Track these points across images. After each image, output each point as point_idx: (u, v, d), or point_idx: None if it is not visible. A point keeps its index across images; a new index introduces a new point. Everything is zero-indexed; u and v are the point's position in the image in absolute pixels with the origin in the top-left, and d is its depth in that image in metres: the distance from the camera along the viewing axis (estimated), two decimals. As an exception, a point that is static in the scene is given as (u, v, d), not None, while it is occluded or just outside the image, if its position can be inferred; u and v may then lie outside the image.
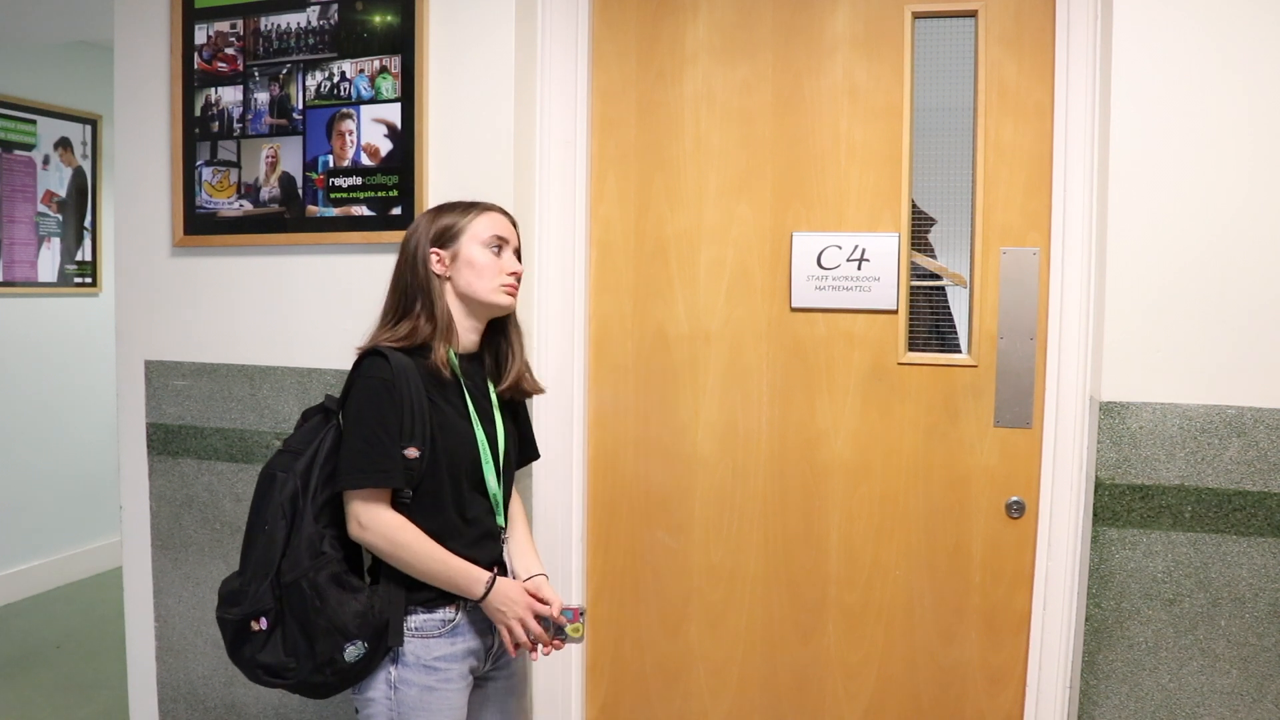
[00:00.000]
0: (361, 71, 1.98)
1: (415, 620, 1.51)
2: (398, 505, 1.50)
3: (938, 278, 1.95)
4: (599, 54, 2.04)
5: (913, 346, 1.93)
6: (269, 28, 2.04)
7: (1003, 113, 1.85)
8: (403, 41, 1.94)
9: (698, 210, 2.02)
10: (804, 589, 2.00)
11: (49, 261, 4.03)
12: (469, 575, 1.51)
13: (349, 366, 2.04)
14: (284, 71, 2.04)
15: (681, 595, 2.07)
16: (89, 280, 4.21)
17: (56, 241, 4.06)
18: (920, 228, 1.94)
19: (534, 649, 1.54)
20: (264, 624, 1.49)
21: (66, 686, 3.09)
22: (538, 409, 2.02)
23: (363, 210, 1.99)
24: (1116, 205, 1.64)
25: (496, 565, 1.60)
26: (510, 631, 1.52)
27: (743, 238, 2.00)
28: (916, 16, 1.90)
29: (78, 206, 4.15)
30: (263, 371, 2.11)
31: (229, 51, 2.08)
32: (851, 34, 1.93)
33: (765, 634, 2.03)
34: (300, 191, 2.04)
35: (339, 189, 2.01)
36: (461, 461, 1.55)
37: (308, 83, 2.02)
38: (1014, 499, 1.87)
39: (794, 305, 1.97)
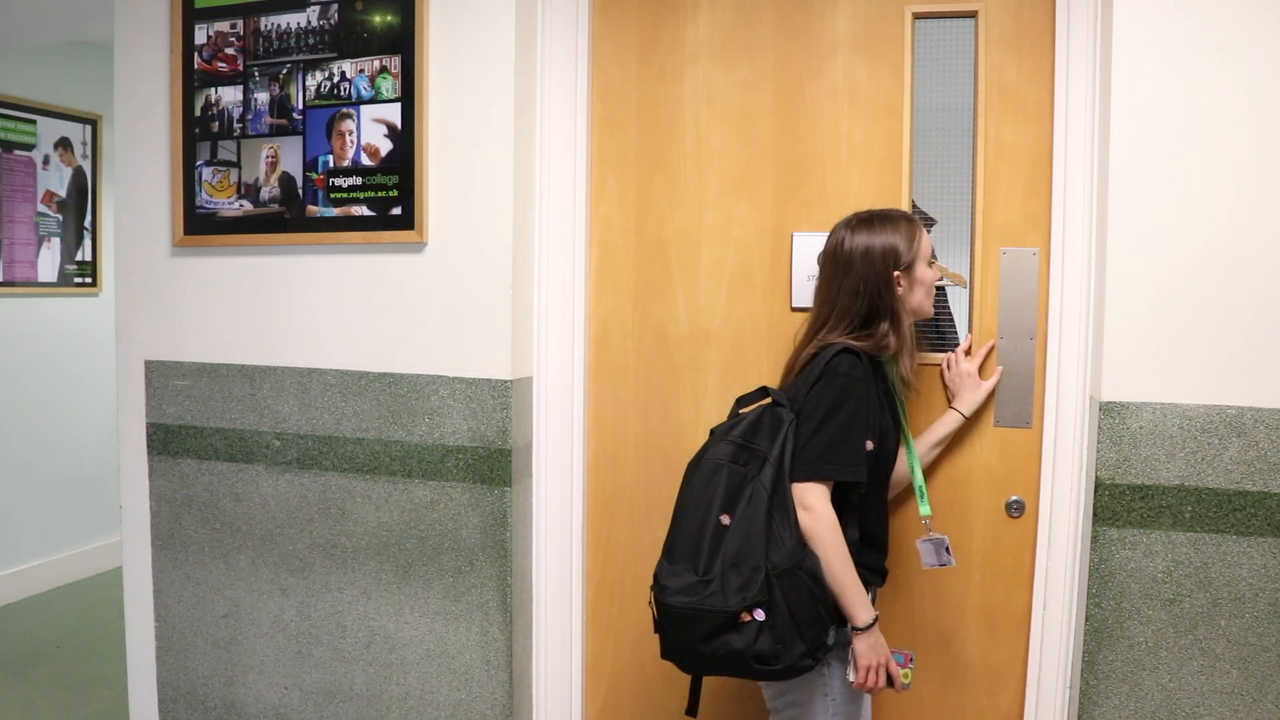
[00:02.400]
0: (361, 71, 1.98)
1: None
2: (843, 498, 1.58)
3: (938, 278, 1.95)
4: (599, 54, 2.04)
5: (931, 345, 1.93)
6: (269, 28, 2.04)
7: (1003, 113, 1.86)
8: (403, 41, 1.94)
9: (698, 210, 2.02)
10: None
11: (49, 261, 4.03)
12: (862, 602, 1.55)
13: (349, 366, 2.05)
14: (284, 71, 2.04)
15: None
16: (89, 280, 4.21)
17: (56, 241, 4.06)
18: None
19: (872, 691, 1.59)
20: (760, 614, 1.50)
21: (66, 686, 3.09)
22: (538, 410, 2.02)
23: (363, 210, 1.99)
24: (1117, 205, 1.64)
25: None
26: (868, 672, 1.56)
27: (743, 238, 2.01)
28: (917, 17, 1.90)
29: (78, 206, 4.15)
30: (263, 371, 2.11)
31: (229, 51, 2.08)
32: (852, 35, 1.93)
33: None
34: (300, 191, 2.04)
35: (339, 189, 2.01)
36: (890, 457, 1.68)
37: (308, 83, 2.02)
38: (1014, 498, 1.88)
39: (795, 305, 1.97)
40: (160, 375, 2.20)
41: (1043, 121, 1.83)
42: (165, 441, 2.20)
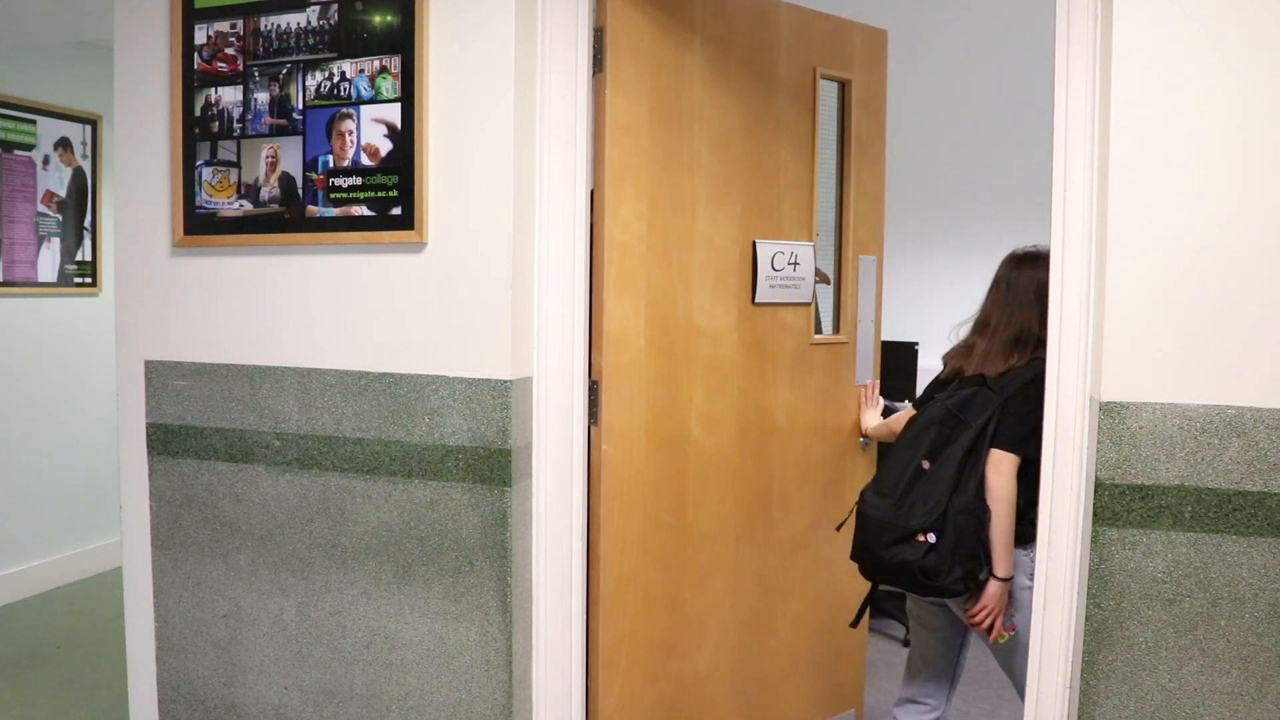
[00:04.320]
0: (361, 71, 1.98)
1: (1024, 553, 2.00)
2: (1020, 474, 1.97)
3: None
4: (614, 56, 2.05)
5: (816, 330, 2.52)
6: (269, 28, 2.04)
7: (860, 156, 2.49)
8: (402, 41, 1.94)
9: (692, 217, 2.20)
10: (758, 536, 2.41)
11: (49, 261, 4.03)
12: (1008, 557, 1.97)
13: (349, 366, 2.06)
14: (284, 71, 2.04)
15: (679, 567, 2.24)
16: (89, 280, 4.21)
17: (56, 241, 4.06)
18: (809, 239, 2.43)
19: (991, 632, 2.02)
20: (931, 538, 1.93)
21: (66, 686, 3.09)
22: (538, 410, 2.02)
23: (363, 210, 1.99)
24: (1117, 205, 1.64)
25: None
26: (982, 611, 1.98)
27: (721, 243, 2.26)
28: (821, 76, 2.42)
29: (78, 206, 4.15)
30: (263, 371, 2.11)
31: (229, 51, 2.08)
32: (786, 80, 2.36)
33: (735, 581, 2.37)
34: (300, 191, 2.04)
35: (339, 189, 2.01)
36: None
37: (308, 83, 2.02)
38: (864, 437, 2.59)
39: (756, 301, 2.33)
40: (160, 375, 2.20)
41: (879, 162, 2.55)
42: (165, 441, 2.20)
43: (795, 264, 2.38)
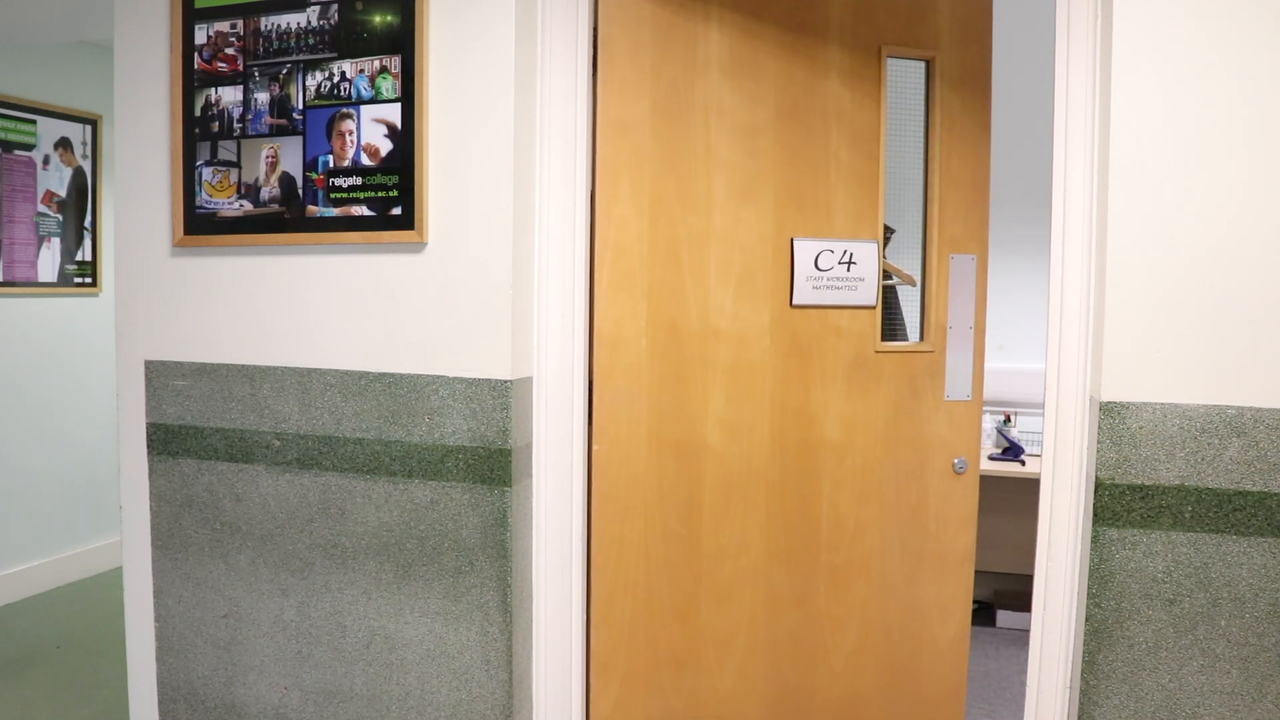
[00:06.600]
0: (361, 71, 1.98)
1: None
2: None
3: (889, 276, 2.31)
4: (612, 51, 2.05)
5: (884, 336, 2.28)
6: (269, 28, 2.04)
7: (949, 143, 2.22)
8: (403, 41, 1.94)
9: (707, 214, 2.13)
10: (800, 556, 2.23)
11: (49, 261, 4.03)
12: None
13: (349, 366, 2.07)
14: (284, 71, 2.04)
15: (692, 579, 2.16)
16: (89, 280, 4.21)
17: (56, 241, 4.06)
18: (884, 236, 2.24)
19: None
20: None
21: (66, 686, 3.09)
22: (538, 410, 2.03)
23: (363, 210, 1.99)
24: (1117, 206, 1.64)
25: None
26: None
27: (748, 241, 2.16)
28: (889, 55, 2.21)
29: (78, 206, 4.15)
30: (263, 371, 2.11)
31: (229, 51, 2.08)
32: (840, 63, 2.18)
33: (767, 601, 2.22)
34: (300, 191, 2.04)
35: (339, 189, 2.01)
36: None
37: (308, 83, 2.02)
38: (959, 459, 2.26)
39: (794, 303, 2.17)
40: (160, 375, 2.20)
41: (980, 150, 2.24)
42: (165, 441, 2.20)
43: (850, 263, 2.18)
